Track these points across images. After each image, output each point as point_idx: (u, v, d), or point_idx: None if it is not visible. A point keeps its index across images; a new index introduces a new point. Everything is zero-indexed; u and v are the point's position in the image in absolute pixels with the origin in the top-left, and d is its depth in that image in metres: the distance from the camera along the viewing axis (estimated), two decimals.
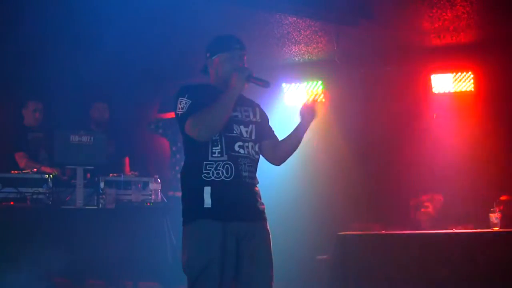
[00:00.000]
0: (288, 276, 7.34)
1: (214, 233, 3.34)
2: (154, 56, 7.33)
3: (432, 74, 7.52)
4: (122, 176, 6.11)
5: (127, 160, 6.98)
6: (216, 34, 3.64)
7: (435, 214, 6.54)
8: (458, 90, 7.47)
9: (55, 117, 6.99)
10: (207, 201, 3.35)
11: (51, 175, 5.68)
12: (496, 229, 5.53)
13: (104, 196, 5.74)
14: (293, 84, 8.13)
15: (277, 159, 3.67)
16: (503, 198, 6.26)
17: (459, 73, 7.43)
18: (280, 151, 3.63)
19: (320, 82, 8.05)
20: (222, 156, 3.38)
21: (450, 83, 7.48)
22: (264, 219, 3.50)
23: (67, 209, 5.61)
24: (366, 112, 7.69)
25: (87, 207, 5.69)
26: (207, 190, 3.35)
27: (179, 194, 5.77)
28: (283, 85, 8.08)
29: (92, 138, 5.82)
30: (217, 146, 3.38)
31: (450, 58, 7.36)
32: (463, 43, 7.16)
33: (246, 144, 3.46)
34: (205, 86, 3.54)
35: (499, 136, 7.12)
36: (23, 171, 5.94)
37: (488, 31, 6.85)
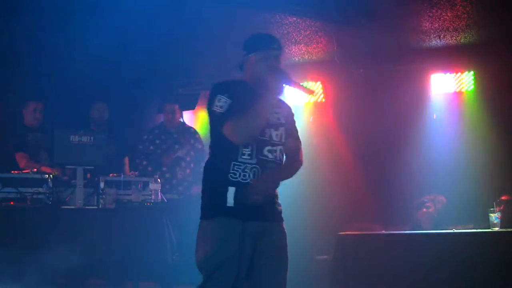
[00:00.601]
0: (288, 276, 7.32)
1: (234, 232, 3.36)
2: (154, 57, 7.33)
3: (432, 74, 7.52)
4: (122, 176, 6.11)
5: (127, 160, 6.98)
6: (254, 33, 3.60)
7: (436, 215, 6.54)
8: (458, 90, 7.47)
9: (55, 117, 6.99)
10: (230, 200, 3.36)
11: (51, 175, 5.69)
12: (496, 229, 5.52)
13: (104, 196, 5.74)
14: None
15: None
16: (503, 198, 6.26)
17: (459, 73, 7.44)
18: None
19: (320, 82, 8.05)
20: (251, 159, 3.39)
21: (450, 83, 7.48)
22: (281, 220, 3.55)
23: (67, 209, 5.62)
24: (366, 112, 7.69)
25: (87, 207, 5.69)
26: (232, 190, 3.37)
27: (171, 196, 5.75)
28: (283, 85, 8.06)
29: (92, 138, 5.83)
30: (248, 148, 3.39)
31: (450, 58, 7.36)
32: (463, 43, 7.15)
33: (275, 148, 3.46)
34: (241, 83, 3.51)
35: (499, 136, 7.12)
36: (23, 171, 5.94)
37: (488, 31, 6.84)
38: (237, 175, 3.37)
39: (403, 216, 6.85)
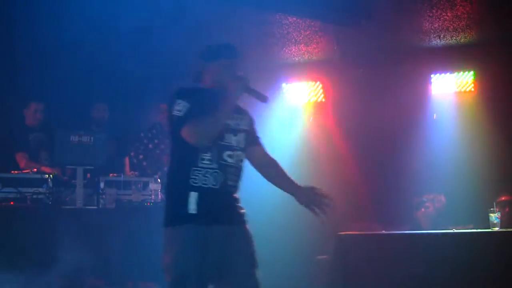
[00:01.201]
0: (288, 276, 7.33)
1: (198, 238, 3.37)
2: (155, 57, 7.33)
3: (432, 74, 7.52)
4: (122, 176, 6.11)
5: (127, 160, 6.98)
6: (214, 41, 3.64)
7: (436, 214, 6.53)
8: (458, 90, 7.47)
9: (55, 117, 7.00)
10: (192, 207, 3.37)
11: (51, 175, 5.69)
12: (496, 229, 5.52)
13: (104, 196, 5.74)
14: (293, 84, 8.13)
15: (259, 171, 3.70)
16: (504, 198, 6.26)
17: (459, 73, 7.43)
18: (265, 175, 3.69)
19: (320, 82, 8.05)
20: (212, 164, 3.41)
21: (450, 83, 7.48)
22: (245, 222, 3.54)
23: (67, 209, 5.62)
24: (366, 112, 7.69)
25: (87, 207, 5.69)
26: (194, 195, 3.38)
27: None
28: (283, 85, 8.08)
29: (92, 138, 5.82)
30: (208, 153, 3.40)
31: (450, 58, 7.36)
32: (463, 43, 7.15)
33: (234, 153, 3.49)
34: (200, 89, 3.57)
35: (499, 136, 7.12)
36: (23, 171, 5.94)
37: (488, 31, 6.85)
38: (198, 180, 3.38)
39: (403, 216, 6.85)
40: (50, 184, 5.64)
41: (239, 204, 3.55)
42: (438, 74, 7.51)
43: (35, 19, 6.09)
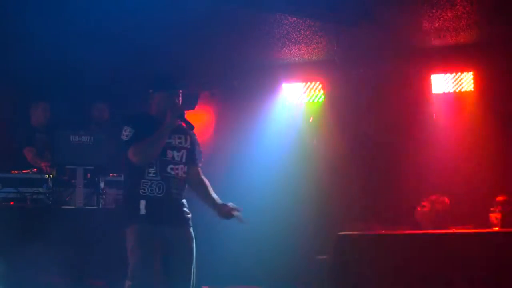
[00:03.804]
0: (288, 276, 7.34)
1: (149, 234, 4.06)
2: (155, 57, 7.33)
3: (432, 74, 7.52)
4: (122, 176, 6.11)
5: None
6: (157, 72, 4.25)
7: (435, 214, 6.53)
8: (458, 90, 7.47)
9: (55, 117, 7.01)
10: (142, 211, 4.08)
11: (51, 175, 5.69)
12: (496, 229, 5.52)
13: (104, 196, 5.74)
14: (293, 84, 8.13)
15: (192, 188, 4.34)
16: (501, 198, 6.26)
17: (459, 73, 7.43)
18: (196, 192, 4.34)
19: (320, 82, 8.05)
20: (156, 176, 4.12)
21: (450, 83, 7.48)
22: (189, 226, 4.22)
23: (67, 209, 5.62)
24: (366, 112, 7.69)
25: (87, 207, 5.69)
26: (143, 202, 4.09)
27: None
28: (283, 85, 8.08)
29: (92, 138, 5.83)
30: (153, 167, 4.12)
31: (450, 58, 7.35)
32: (463, 43, 7.15)
33: (177, 166, 4.19)
34: (146, 116, 4.27)
35: (499, 136, 7.12)
36: (25, 170, 5.94)
37: (488, 31, 6.84)
38: (146, 190, 4.10)
39: (403, 216, 6.85)
40: (50, 184, 5.65)
41: (185, 209, 4.22)
42: (438, 74, 7.51)
43: (35, 19, 6.09)
